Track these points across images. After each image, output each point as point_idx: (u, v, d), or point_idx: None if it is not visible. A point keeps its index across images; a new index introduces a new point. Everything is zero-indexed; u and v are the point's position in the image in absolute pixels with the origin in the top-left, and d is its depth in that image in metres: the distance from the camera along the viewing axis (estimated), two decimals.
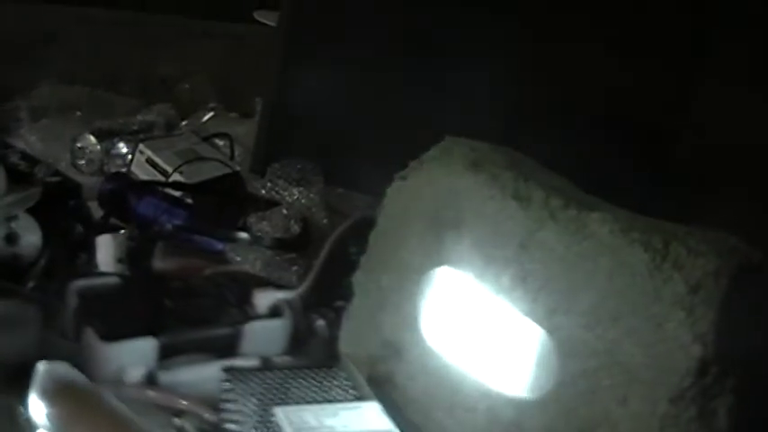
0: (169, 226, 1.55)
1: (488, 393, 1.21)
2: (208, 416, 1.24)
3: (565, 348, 1.13)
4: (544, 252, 1.16)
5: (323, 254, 1.50)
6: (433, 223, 1.29)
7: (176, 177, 1.71)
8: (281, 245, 1.55)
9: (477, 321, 1.24)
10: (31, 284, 1.44)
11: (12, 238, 1.47)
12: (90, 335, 1.31)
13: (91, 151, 1.88)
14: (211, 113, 2.14)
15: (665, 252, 1.09)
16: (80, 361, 1.30)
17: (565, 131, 1.42)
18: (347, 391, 1.28)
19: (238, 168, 1.83)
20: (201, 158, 1.77)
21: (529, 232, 1.18)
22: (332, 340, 1.44)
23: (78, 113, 2.01)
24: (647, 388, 1.07)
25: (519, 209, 1.19)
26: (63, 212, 1.58)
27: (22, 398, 1.22)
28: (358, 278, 1.40)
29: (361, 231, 1.42)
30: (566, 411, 1.12)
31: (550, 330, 1.15)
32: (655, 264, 1.08)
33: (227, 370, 1.26)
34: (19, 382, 1.25)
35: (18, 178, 1.62)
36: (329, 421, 1.20)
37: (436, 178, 1.29)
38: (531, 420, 1.16)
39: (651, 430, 1.06)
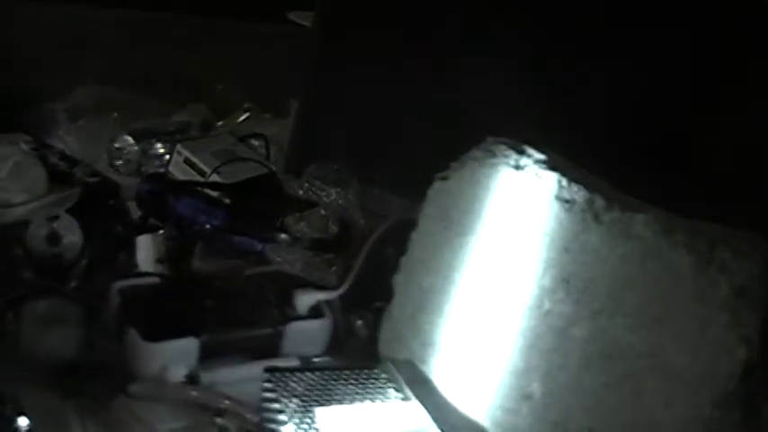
0: (208, 226, 1.54)
1: (531, 395, 1.20)
2: (249, 416, 1.25)
3: (609, 350, 1.13)
4: (587, 254, 1.16)
5: (362, 255, 1.49)
6: (475, 224, 1.29)
7: (214, 178, 1.71)
8: (320, 245, 1.54)
9: (518, 324, 1.23)
10: (72, 284, 1.45)
11: (54, 238, 1.47)
12: (133, 335, 1.31)
13: (129, 152, 1.89)
14: (246, 114, 2.14)
15: (709, 255, 1.08)
16: (122, 360, 1.31)
17: (597, 133, 1.41)
18: (388, 392, 1.28)
19: (274, 169, 1.82)
20: (239, 159, 1.77)
21: (572, 234, 1.17)
22: (372, 341, 1.44)
23: (115, 114, 2.02)
24: (692, 391, 1.07)
25: (562, 210, 1.19)
26: (103, 212, 1.58)
27: (64, 396, 1.23)
28: (398, 279, 1.39)
29: (400, 232, 1.42)
30: (610, 414, 1.12)
31: (594, 332, 1.14)
32: (699, 266, 1.08)
33: (269, 370, 1.26)
34: (62, 380, 1.27)
35: (58, 179, 1.63)
36: (370, 422, 1.20)
37: (478, 179, 1.28)
38: (576, 421, 1.15)
39: None
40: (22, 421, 1.04)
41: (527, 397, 1.21)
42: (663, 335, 1.09)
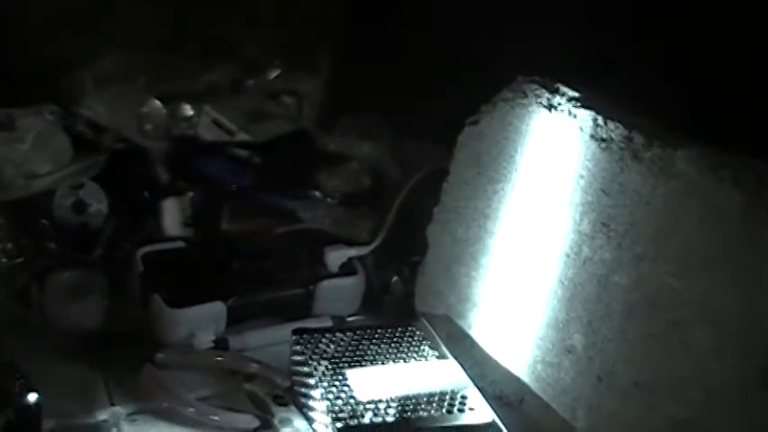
0: (235, 187, 1.50)
1: (573, 347, 1.15)
2: (279, 380, 1.21)
3: (653, 298, 1.06)
4: (627, 196, 1.09)
5: (394, 207, 1.44)
6: (508, 169, 1.22)
7: (243, 137, 1.67)
8: (351, 200, 1.50)
9: (557, 273, 1.17)
10: (98, 252, 1.41)
11: (79, 207, 1.45)
12: (157, 301, 1.28)
13: (157, 116, 1.85)
14: (277, 71, 2.09)
15: (759, 193, 1.00)
16: (148, 328, 1.28)
17: (632, 66, 1.32)
18: (423, 350, 1.23)
19: (306, 125, 1.77)
20: (268, 117, 1.72)
21: (610, 175, 1.11)
22: (407, 297, 1.40)
23: (143, 79, 1.98)
24: (742, 340, 0.99)
25: (599, 150, 1.12)
26: (129, 179, 1.55)
27: (90, 366, 1.21)
28: (432, 231, 1.35)
29: (433, 182, 1.37)
30: (655, 365, 1.06)
31: (637, 279, 1.08)
32: (749, 205, 0.99)
33: (297, 332, 1.22)
34: (87, 350, 1.25)
35: (84, 147, 1.60)
36: (405, 382, 1.15)
37: (510, 121, 1.22)
38: (620, 374, 1.09)
39: (749, 385, 0.97)
40: (32, 397, 1.01)
41: (569, 350, 1.15)
42: (710, 280, 1.01)
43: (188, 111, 1.84)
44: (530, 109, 1.21)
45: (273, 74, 2.06)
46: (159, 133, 1.81)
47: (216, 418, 1.15)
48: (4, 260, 1.37)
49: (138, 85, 1.92)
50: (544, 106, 1.19)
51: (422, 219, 1.37)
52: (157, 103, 1.84)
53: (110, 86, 1.89)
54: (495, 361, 1.25)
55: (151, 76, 1.95)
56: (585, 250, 1.13)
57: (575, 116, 1.15)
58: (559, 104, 1.18)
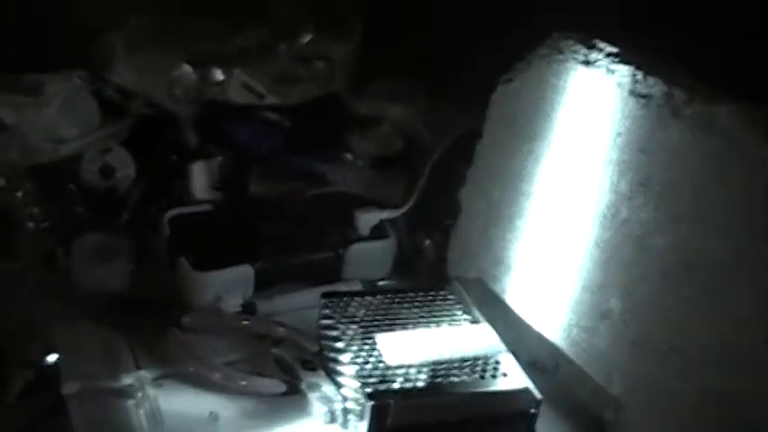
0: (265, 150, 1.48)
1: (610, 312, 1.11)
2: (307, 345, 1.19)
3: (692, 261, 1.02)
4: (666, 154, 1.05)
5: (426, 170, 1.41)
6: (544, 128, 1.19)
7: (273, 101, 1.64)
8: (383, 163, 1.47)
9: (593, 235, 1.13)
10: (125, 216, 1.40)
11: (107, 171, 1.44)
12: (184, 265, 1.26)
13: (186, 80, 1.83)
14: (309, 35, 2.06)
15: None
16: (175, 292, 1.26)
17: (671, 19, 1.27)
18: (456, 314, 1.20)
19: (337, 89, 1.75)
20: (298, 80, 1.69)
21: (649, 132, 1.07)
22: (440, 261, 1.37)
23: (172, 43, 1.95)
24: None
25: (638, 107, 1.08)
26: (157, 143, 1.53)
27: (115, 330, 1.19)
28: (466, 193, 1.32)
29: (466, 145, 1.34)
30: (693, 331, 1.02)
31: (675, 241, 1.04)
32: None
33: (327, 295, 1.20)
34: (113, 314, 1.23)
35: (112, 112, 1.59)
36: (436, 347, 1.12)
37: (546, 77, 1.18)
38: (656, 339, 1.06)
39: None
40: (51, 358, 0.99)
41: (605, 315, 1.12)
42: (752, 242, 0.97)
43: (218, 75, 1.82)
44: (566, 66, 1.17)
45: (305, 38, 2.03)
46: (189, 98, 1.79)
47: (243, 382, 1.12)
48: (31, 224, 1.37)
49: (167, 49, 1.90)
50: (581, 62, 1.15)
51: (455, 181, 1.34)
52: (187, 67, 1.82)
53: (139, 51, 1.88)
54: (530, 326, 1.22)
55: (181, 40, 1.93)
56: (623, 211, 1.10)
57: (612, 72, 1.11)
58: (597, 60, 1.14)
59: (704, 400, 1.00)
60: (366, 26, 1.86)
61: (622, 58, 1.12)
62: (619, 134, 1.10)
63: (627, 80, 1.10)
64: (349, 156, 1.50)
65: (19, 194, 1.39)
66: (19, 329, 1.10)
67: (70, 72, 1.63)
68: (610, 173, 1.11)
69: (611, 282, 1.11)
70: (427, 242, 1.41)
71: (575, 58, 1.16)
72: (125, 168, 1.45)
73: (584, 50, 1.15)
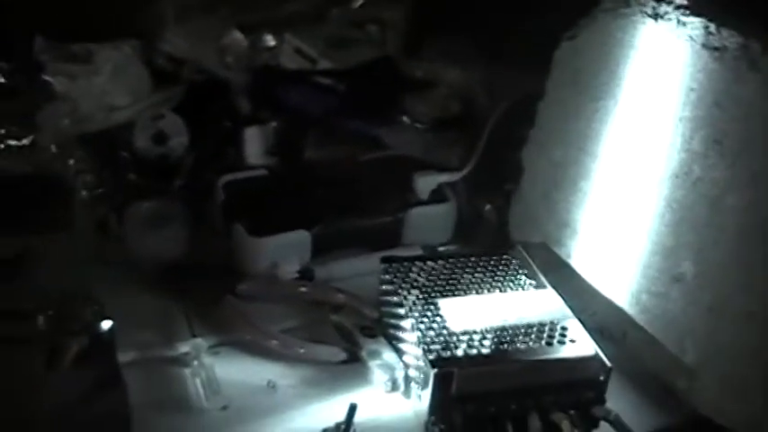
0: (320, 114, 1.44)
1: (682, 275, 1.07)
2: (367, 311, 1.16)
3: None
4: (742, 108, 1.00)
5: (486, 132, 1.37)
6: (610, 86, 1.14)
7: (326, 65, 1.61)
8: (441, 125, 1.43)
9: (664, 196, 1.08)
10: (179, 182, 1.38)
11: (160, 138, 1.42)
12: (239, 231, 1.23)
13: (238, 47, 1.81)
14: None
15: None
16: (230, 259, 1.24)
17: None
18: (520, 279, 1.16)
19: (391, 52, 1.71)
20: (351, 44, 1.66)
21: (724, 87, 1.02)
22: (502, 225, 1.33)
23: (223, 10, 1.94)
24: None
25: (711, 60, 1.03)
26: (210, 109, 1.51)
27: (170, 298, 1.18)
28: (528, 154, 1.28)
29: (527, 105, 1.29)
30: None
31: (753, 200, 0.99)
32: None
33: (386, 260, 1.16)
34: (168, 281, 1.22)
35: (163, 79, 1.57)
36: (500, 312, 1.09)
37: (612, 32, 1.14)
38: (733, 304, 1.01)
39: None
40: (105, 324, 0.98)
41: (677, 278, 1.08)
42: None
43: (270, 41, 1.80)
44: (633, 19, 1.12)
45: (358, 2, 2.01)
46: (240, 64, 1.78)
47: (301, 350, 1.11)
48: (84, 192, 1.35)
49: (218, 16, 1.88)
50: (649, 15, 1.10)
51: (516, 143, 1.30)
52: (238, 33, 1.81)
53: (190, 19, 1.87)
54: (597, 291, 1.18)
55: (232, 6, 1.92)
56: (696, 170, 1.05)
57: (684, 24, 1.06)
58: (666, 13, 1.09)
59: None
60: None
61: (693, 9, 1.07)
62: (691, 89, 1.05)
63: (699, 33, 1.05)
64: (406, 118, 1.46)
65: (72, 162, 1.38)
66: (72, 296, 1.08)
67: (121, 42, 1.62)
68: (681, 130, 1.06)
69: (684, 244, 1.07)
70: (488, 206, 1.37)
71: (642, 11, 1.11)
72: (178, 135, 1.42)
73: (652, 3, 1.11)
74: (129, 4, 1.74)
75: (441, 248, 1.34)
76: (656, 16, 1.10)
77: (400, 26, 1.82)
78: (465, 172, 1.36)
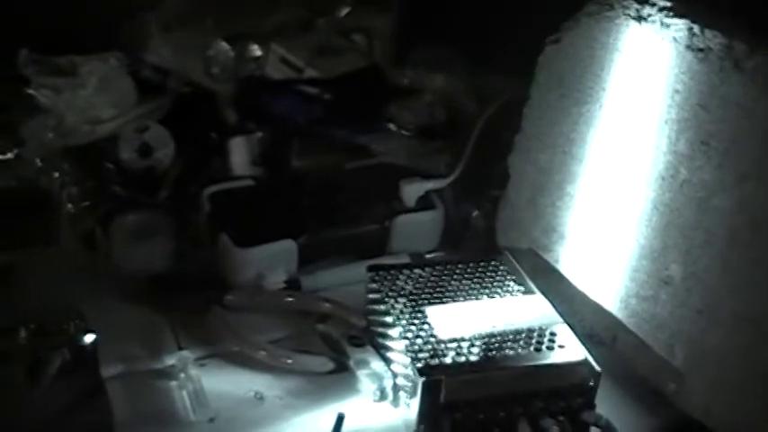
0: (304, 123, 1.45)
1: (671, 278, 1.06)
2: (354, 320, 1.16)
3: (758, 221, 0.97)
4: (728, 110, 1.00)
5: (472, 138, 1.37)
6: (595, 89, 1.14)
7: (311, 74, 1.61)
8: (427, 133, 1.44)
9: (651, 198, 1.08)
10: (164, 194, 1.37)
11: (145, 150, 1.41)
12: (225, 241, 1.23)
13: (223, 58, 1.81)
14: (347, 8, 2.03)
15: None
16: (216, 270, 1.23)
17: None
18: (508, 285, 1.16)
19: (377, 60, 1.71)
20: (337, 53, 1.66)
21: (709, 88, 1.01)
22: (489, 231, 1.33)
23: (209, 21, 1.94)
24: None
25: (696, 62, 1.02)
26: (195, 120, 1.50)
27: (156, 310, 1.17)
28: (513, 160, 1.27)
29: (513, 110, 1.29)
30: (762, 295, 0.97)
31: (740, 201, 0.98)
32: None
33: (373, 269, 1.16)
34: (154, 293, 1.21)
35: (149, 91, 1.57)
36: (489, 319, 1.08)
37: (596, 36, 1.13)
38: (723, 307, 1.01)
39: None
40: (88, 338, 0.97)
41: (665, 281, 1.07)
42: None
43: (255, 51, 1.81)
44: (616, 22, 1.12)
45: (343, 11, 2.01)
46: (226, 75, 1.78)
47: (289, 361, 1.10)
48: (70, 205, 1.35)
49: (203, 27, 1.89)
50: (633, 18, 1.10)
51: (501, 149, 1.30)
52: (224, 44, 1.81)
53: (175, 30, 1.87)
54: (585, 296, 1.18)
55: (217, 17, 1.92)
56: (683, 172, 1.04)
57: (667, 26, 1.06)
58: (650, 15, 1.09)
59: None
60: None
61: (677, 11, 1.07)
62: (676, 91, 1.05)
63: (683, 34, 1.04)
64: (392, 126, 1.46)
65: (57, 176, 1.38)
66: (56, 310, 1.08)
67: (106, 53, 1.62)
68: (667, 132, 1.06)
69: (672, 247, 1.06)
70: (475, 213, 1.37)
71: (626, 14, 1.11)
72: (164, 147, 1.42)
73: (635, 5, 1.10)
74: (114, 15, 1.74)
75: (428, 256, 1.33)
76: (639, 19, 1.09)
77: (386, 35, 1.83)
78: (451, 179, 1.35)
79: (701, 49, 1.02)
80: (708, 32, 1.02)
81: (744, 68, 0.98)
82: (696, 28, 1.03)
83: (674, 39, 1.05)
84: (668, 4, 1.08)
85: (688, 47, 1.03)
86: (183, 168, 1.41)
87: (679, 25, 1.05)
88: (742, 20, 1.05)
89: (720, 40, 1.01)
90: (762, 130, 0.96)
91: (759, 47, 0.98)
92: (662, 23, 1.07)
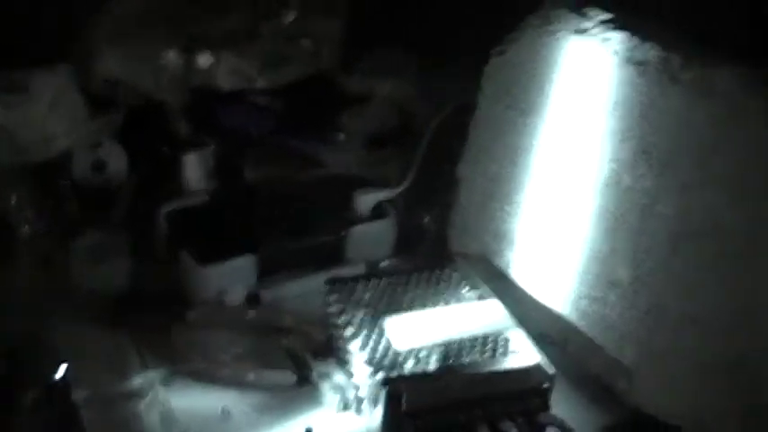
0: (257, 134, 1.46)
1: (619, 281, 1.10)
2: (316, 333, 1.18)
3: (700, 228, 1.01)
4: (668, 120, 1.03)
5: (422, 146, 1.39)
6: (539, 100, 1.17)
7: (262, 83, 1.62)
8: (377, 141, 1.46)
9: (597, 205, 1.12)
10: (119, 211, 1.38)
11: (99, 166, 1.41)
12: (185, 259, 1.24)
13: (173, 67, 1.81)
14: (293, 14, 2.03)
15: None
16: (177, 287, 1.24)
17: None
18: (463, 292, 1.19)
19: (326, 67, 1.72)
20: (286, 61, 1.67)
21: (649, 99, 1.05)
22: (442, 239, 1.35)
23: (158, 31, 1.92)
24: None
25: (635, 74, 1.06)
26: (148, 134, 1.50)
27: (119, 329, 1.18)
28: (463, 170, 1.30)
29: (461, 118, 1.32)
30: (706, 297, 1.01)
31: (682, 209, 1.02)
32: None
33: (331, 281, 1.18)
34: (116, 312, 1.22)
35: (100, 104, 1.56)
36: (446, 326, 1.12)
37: (538, 48, 1.16)
38: (669, 308, 1.05)
39: None
40: (61, 371, 0.98)
41: (614, 284, 1.11)
42: (762, 208, 0.95)
43: (206, 60, 1.79)
44: (558, 36, 1.15)
45: (290, 17, 2.00)
46: (177, 85, 1.76)
47: (252, 376, 1.12)
48: (26, 227, 1.34)
49: (152, 37, 1.87)
50: (574, 32, 1.13)
51: (452, 157, 1.32)
52: (174, 54, 1.80)
53: (124, 42, 1.85)
54: (536, 300, 1.21)
55: (165, 27, 1.90)
56: (626, 179, 1.08)
57: (607, 40, 1.10)
58: (590, 28, 1.12)
59: (720, 368, 0.99)
60: (352, 1, 1.83)
61: (616, 24, 1.10)
62: (617, 102, 1.08)
63: (622, 47, 1.08)
64: (342, 135, 1.47)
65: (12, 198, 1.36)
66: (26, 344, 1.08)
67: (55, 66, 1.60)
68: (609, 142, 1.09)
69: (619, 250, 1.10)
70: (427, 219, 1.40)
71: (567, 28, 1.14)
72: (117, 162, 1.42)
73: (576, 19, 1.14)
74: (60, 26, 1.72)
75: (383, 264, 1.36)
76: (580, 32, 1.12)
77: (334, 40, 1.83)
78: (403, 187, 1.38)
79: (640, 62, 1.06)
80: (646, 45, 1.06)
81: (681, 80, 1.02)
82: (635, 40, 1.07)
83: (615, 51, 1.08)
84: (607, 18, 1.12)
85: (628, 59, 1.07)
86: (137, 184, 1.41)
87: (618, 38, 1.08)
88: (682, 31, 1.08)
89: (658, 52, 1.05)
90: (700, 140, 1.00)
91: (694, 60, 1.02)
92: (602, 37, 1.10)
